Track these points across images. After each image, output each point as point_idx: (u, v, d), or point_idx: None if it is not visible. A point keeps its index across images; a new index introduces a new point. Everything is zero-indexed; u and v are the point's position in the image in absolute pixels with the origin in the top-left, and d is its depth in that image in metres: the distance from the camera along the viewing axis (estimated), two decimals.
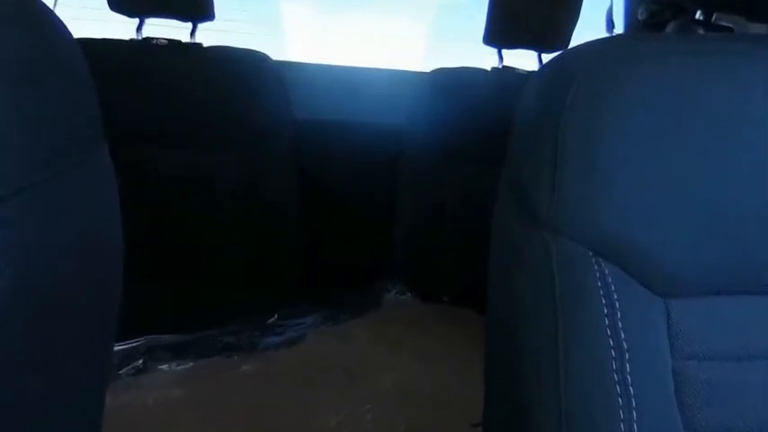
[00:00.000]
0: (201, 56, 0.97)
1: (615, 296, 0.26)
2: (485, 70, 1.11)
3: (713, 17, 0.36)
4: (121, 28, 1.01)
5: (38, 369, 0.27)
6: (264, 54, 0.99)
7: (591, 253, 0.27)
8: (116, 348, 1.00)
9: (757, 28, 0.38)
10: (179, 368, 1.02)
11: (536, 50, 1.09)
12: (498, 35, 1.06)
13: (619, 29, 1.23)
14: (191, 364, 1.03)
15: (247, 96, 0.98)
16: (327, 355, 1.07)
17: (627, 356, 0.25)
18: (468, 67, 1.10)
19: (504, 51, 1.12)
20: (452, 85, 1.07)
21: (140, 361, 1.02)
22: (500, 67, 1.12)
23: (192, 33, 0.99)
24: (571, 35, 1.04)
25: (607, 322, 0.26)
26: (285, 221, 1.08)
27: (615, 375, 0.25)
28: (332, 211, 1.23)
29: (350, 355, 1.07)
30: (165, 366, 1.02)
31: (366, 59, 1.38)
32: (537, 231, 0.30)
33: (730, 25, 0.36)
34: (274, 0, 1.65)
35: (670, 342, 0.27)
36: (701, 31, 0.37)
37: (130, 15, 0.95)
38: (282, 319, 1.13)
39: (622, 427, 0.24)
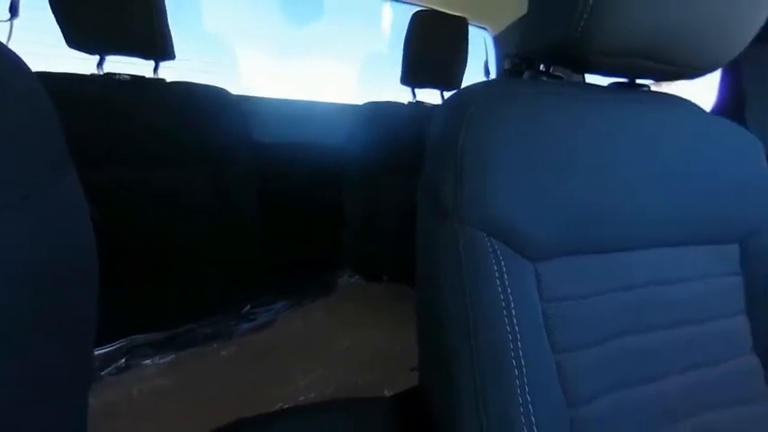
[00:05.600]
0: (165, 89, 0.88)
1: (503, 263, 0.29)
2: (403, 104, 1.14)
3: (551, 69, 0.42)
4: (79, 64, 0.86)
5: (20, 373, 0.23)
6: (223, 88, 0.92)
7: (485, 235, 0.29)
8: (98, 352, 0.90)
9: (578, 77, 0.45)
10: (162, 361, 0.92)
11: (439, 89, 1.13)
12: (411, 77, 1.09)
13: (492, 74, 1.36)
14: (173, 356, 0.93)
15: (209, 123, 0.91)
16: (294, 333, 1.03)
17: (512, 305, 0.28)
18: (391, 101, 1.12)
19: (417, 90, 1.14)
20: (379, 115, 1.08)
21: (122, 360, 0.90)
22: (414, 101, 1.15)
23: (155, 70, 0.89)
24: (462, 78, 1.11)
25: (498, 283, 0.28)
26: (251, 226, 1.01)
27: (506, 319, 0.28)
28: (292, 216, 1.18)
29: (313, 331, 1.04)
30: (148, 361, 0.91)
31: (312, 94, 1.33)
32: (446, 222, 0.31)
33: (561, 75, 0.42)
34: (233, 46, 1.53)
35: (539, 291, 0.30)
36: (544, 78, 0.42)
37: (90, 53, 0.83)
38: (255, 308, 1.07)
39: (511, 345, 0.27)
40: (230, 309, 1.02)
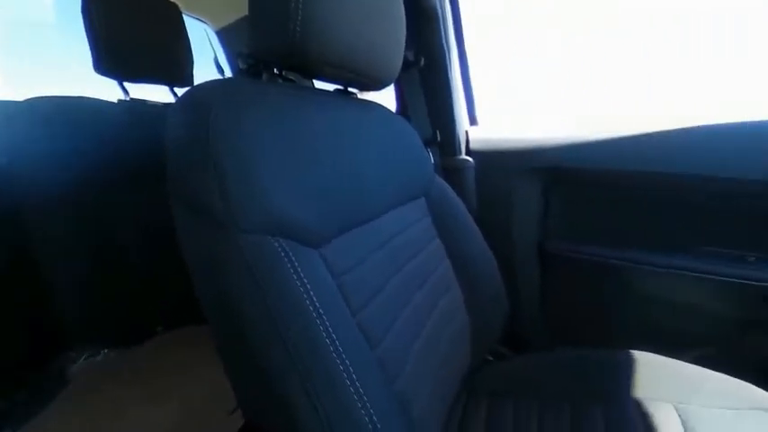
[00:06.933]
0: None
1: (293, 258, 0.29)
2: (110, 102, 0.83)
3: (284, 72, 0.45)
4: None
5: None
6: None
7: (270, 237, 0.29)
8: None
9: (308, 82, 0.51)
10: None
11: (167, 85, 0.92)
12: (113, 66, 0.79)
13: (226, 71, 1.28)
14: None
15: None
16: None
17: (312, 292, 0.29)
18: (86, 97, 0.79)
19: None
20: (70, 117, 0.75)
21: None
22: (128, 99, 0.87)
23: None
24: (192, 73, 0.96)
25: (295, 276, 0.29)
26: None
27: (310, 306, 0.29)
28: None
29: None
30: None
31: None
32: (222, 233, 0.28)
33: (293, 78, 0.46)
34: None
35: (329, 271, 0.33)
36: (280, 80, 0.45)
37: None
38: None
39: (320, 327, 0.29)
40: None
